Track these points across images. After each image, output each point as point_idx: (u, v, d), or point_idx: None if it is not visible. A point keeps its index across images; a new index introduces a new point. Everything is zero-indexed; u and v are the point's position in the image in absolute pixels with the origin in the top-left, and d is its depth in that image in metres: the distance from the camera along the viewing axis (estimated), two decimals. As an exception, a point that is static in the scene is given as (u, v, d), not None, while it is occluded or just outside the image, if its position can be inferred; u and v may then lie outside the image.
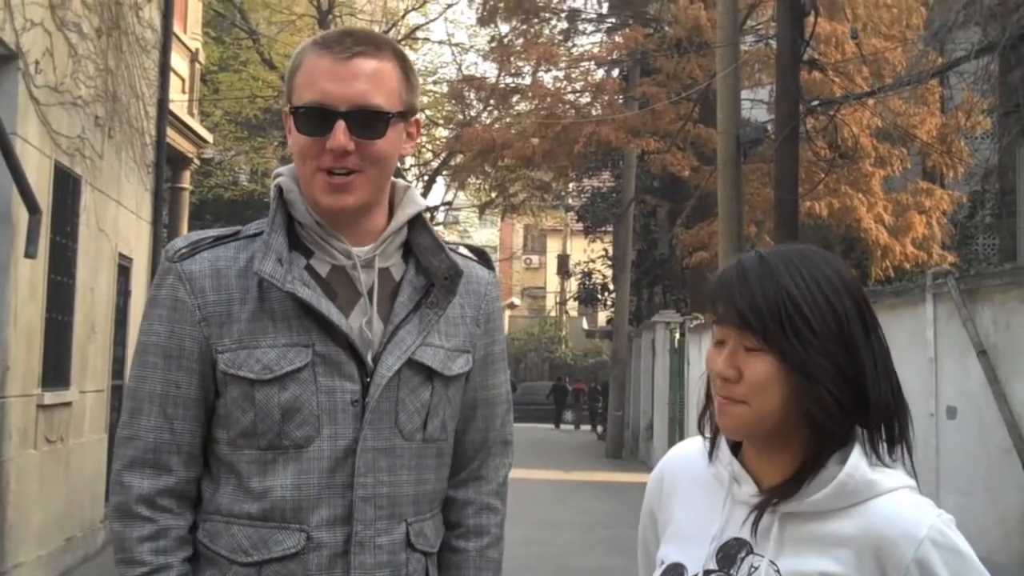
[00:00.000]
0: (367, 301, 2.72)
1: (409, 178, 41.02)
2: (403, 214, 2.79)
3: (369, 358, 2.69)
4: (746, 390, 2.16)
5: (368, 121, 2.64)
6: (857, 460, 2.16)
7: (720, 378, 2.20)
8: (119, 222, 14.26)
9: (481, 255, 3.03)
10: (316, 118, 2.63)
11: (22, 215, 10.28)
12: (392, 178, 2.83)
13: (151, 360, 2.69)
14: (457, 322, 2.84)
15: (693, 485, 2.38)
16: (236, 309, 2.67)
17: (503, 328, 3.04)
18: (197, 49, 20.59)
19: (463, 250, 2.98)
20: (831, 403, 2.12)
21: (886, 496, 2.16)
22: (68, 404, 12.11)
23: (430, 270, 2.78)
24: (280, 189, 2.75)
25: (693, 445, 2.46)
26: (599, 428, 47.45)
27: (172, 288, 2.69)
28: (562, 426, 51.72)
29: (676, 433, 27.75)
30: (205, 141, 20.78)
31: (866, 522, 2.14)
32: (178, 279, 2.69)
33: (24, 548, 10.77)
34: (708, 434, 2.36)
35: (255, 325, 2.66)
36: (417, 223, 2.82)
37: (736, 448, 2.31)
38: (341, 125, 2.61)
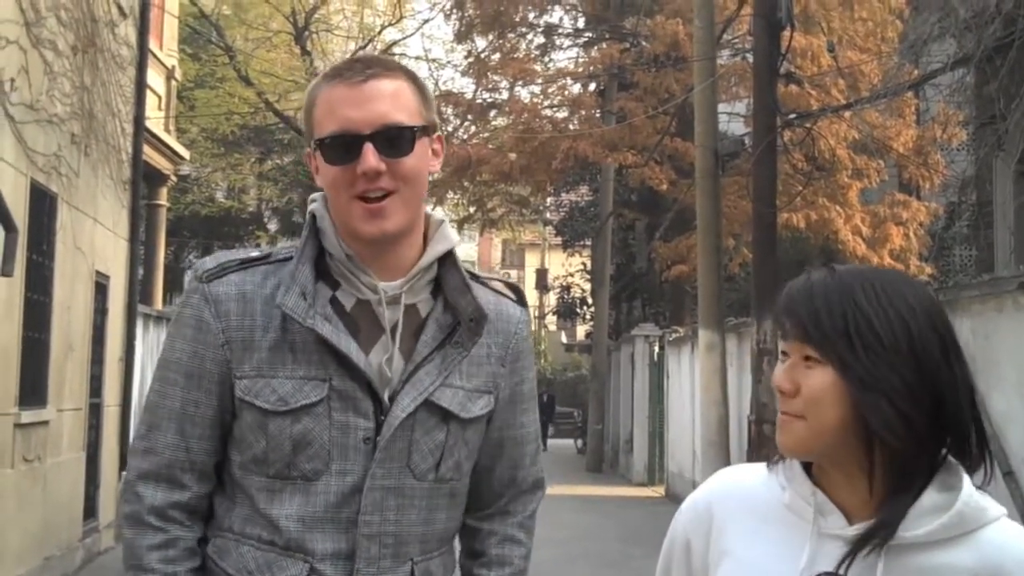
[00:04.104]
0: (389, 338, 2.70)
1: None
2: (433, 251, 2.76)
3: (386, 396, 2.67)
4: (803, 404, 2.07)
5: (394, 139, 2.63)
6: (970, 487, 2.07)
7: (778, 391, 2.12)
8: (96, 240, 14.21)
9: (516, 291, 3.00)
10: (342, 146, 2.62)
11: (-2, 233, 10.24)
12: (427, 210, 2.82)
13: (172, 377, 2.71)
14: (481, 362, 2.81)
15: (754, 517, 2.22)
16: (258, 337, 2.66)
17: (532, 367, 3.00)
18: (173, 66, 20.59)
19: (498, 284, 2.95)
20: (895, 419, 2.01)
21: (995, 524, 2.08)
22: (45, 423, 12.06)
23: (457, 309, 2.75)
24: (313, 217, 2.74)
25: (743, 474, 2.34)
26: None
27: (198, 308, 2.70)
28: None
29: (656, 446, 27.79)
30: (182, 158, 20.77)
31: (982, 552, 2.05)
32: (204, 300, 2.69)
33: (1, 568, 10.70)
34: (778, 459, 2.24)
35: (275, 355, 2.65)
36: (448, 260, 2.79)
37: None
38: (369, 147, 2.59)
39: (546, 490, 3.12)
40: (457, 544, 2.99)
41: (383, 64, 2.71)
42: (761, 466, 2.29)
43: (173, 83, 20.77)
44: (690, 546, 2.31)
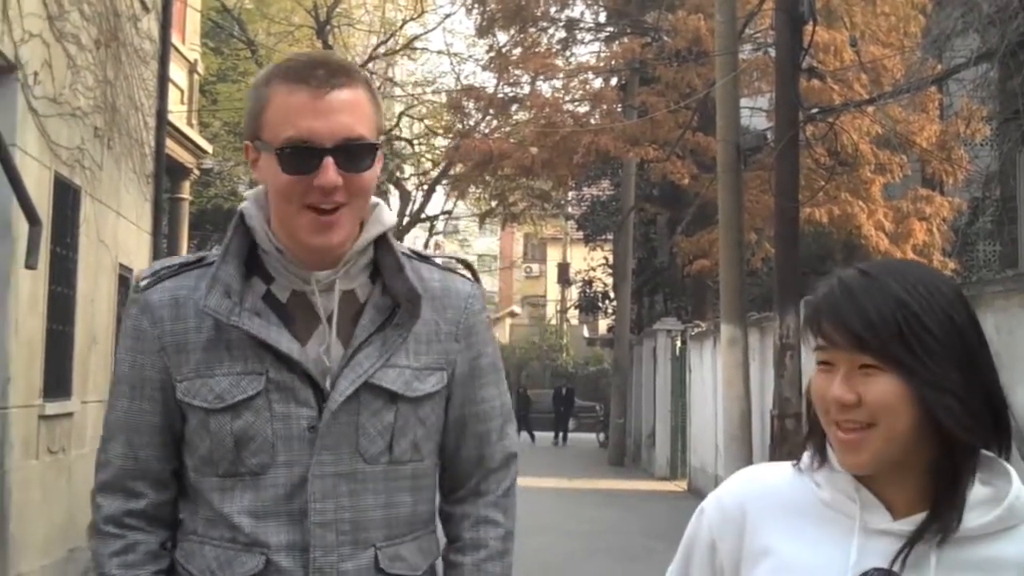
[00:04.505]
0: (325, 326, 2.69)
1: (408, 187, 41.01)
2: (367, 234, 2.73)
3: (328, 383, 2.66)
4: (869, 414, 2.01)
5: (355, 155, 2.59)
6: (1018, 480, 2.07)
7: (838, 405, 2.04)
8: (119, 233, 14.25)
9: (467, 267, 2.97)
10: (302, 156, 2.57)
11: (22, 226, 10.26)
12: None
13: (119, 389, 2.76)
14: (430, 339, 2.78)
15: (791, 515, 2.17)
16: (193, 339, 2.67)
17: (491, 340, 2.94)
18: (196, 60, 20.61)
19: (447, 262, 2.93)
20: (964, 415, 2.00)
21: None
22: (70, 415, 12.09)
23: (393, 291, 2.73)
24: (242, 215, 2.72)
25: (769, 473, 2.29)
26: (561, 437, 46.66)
27: (136, 319, 2.73)
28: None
29: (678, 440, 27.79)
30: (204, 152, 20.79)
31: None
32: (141, 310, 2.72)
33: (26, 558, 10.74)
34: (813, 460, 2.18)
35: (210, 355, 2.66)
36: (383, 243, 2.76)
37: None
38: (330, 162, 2.55)
39: (517, 467, 3.02)
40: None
41: (346, 71, 2.65)
42: (784, 465, 2.26)
43: (195, 77, 20.77)
44: (715, 546, 2.25)
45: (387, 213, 2.81)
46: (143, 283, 2.75)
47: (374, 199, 2.79)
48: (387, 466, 2.70)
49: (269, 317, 2.66)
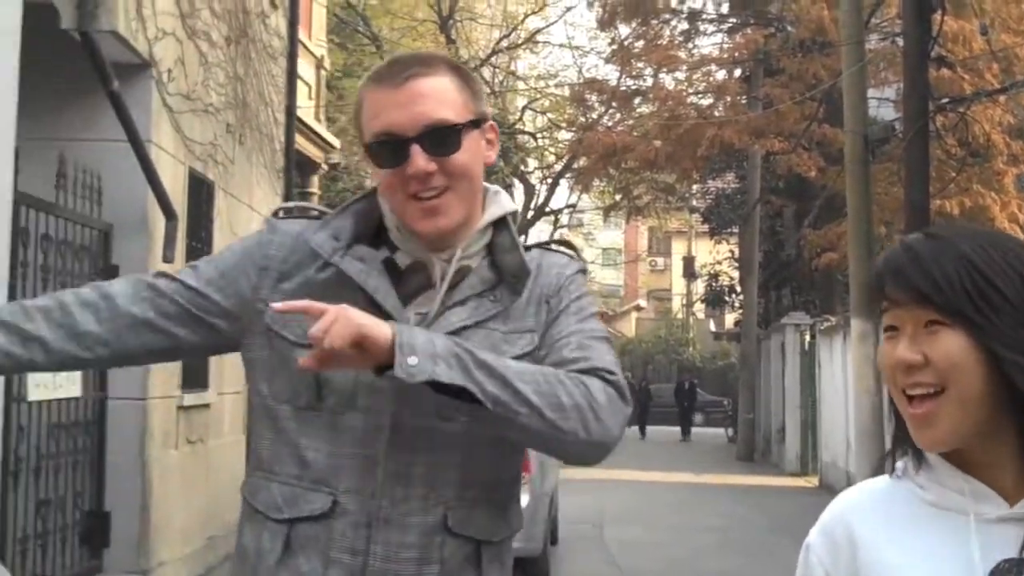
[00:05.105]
0: (438, 288, 2.72)
1: (532, 181, 41.11)
2: (488, 214, 2.79)
3: None
4: (937, 374, 1.92)
5: (441, 138, 2.64)
6: None
7: (903, 367, 1.96)
8: (252, 226, 14.41)
9: (569, 246, 2.97)
10: (389, 149, 2.65)
11: (159, 221, 10.47)
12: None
13: (218, 265, 2.83)
14: (521, 308, 2.77)
15: (901, 525, 2.05)
16: (296, 271, 2.75)
17: (580, 296, 2.82)
18: (322, 56, 20.84)
19: (553, 245, 2.94)
20: None
21: None
22: (207, 406, 12.30)
23: (502, 267, 2.76)
24: (375, 189, 2.82)
25: (866, 491, 2.17)
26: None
27: (260, 235, 2.84)
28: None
29: (808, 436, 27.59)
30: (332, 146, 21.01)
31: None
32: (269, 230, 2.83)
33: (167, 547, 10.95)
34: (909, 465, 2.08)
35: (309, 290, 2.70)
36: (502, 224, 2.81)
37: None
38: (416, 149, 2.62)
39: (628, 405, 2.72)
40: (525, 498, 2.89)
41: (423, 62, 2.72)
42: (880, 478, 2.16)
43: (322, 73, 21.01)
44: None
45: (508, 199, 2.86)
46: (281, 210, 2.89)
47: (495, 187, 2.86)
48: (466, 425, 2.66)
49: (373, 265, 2.72)
